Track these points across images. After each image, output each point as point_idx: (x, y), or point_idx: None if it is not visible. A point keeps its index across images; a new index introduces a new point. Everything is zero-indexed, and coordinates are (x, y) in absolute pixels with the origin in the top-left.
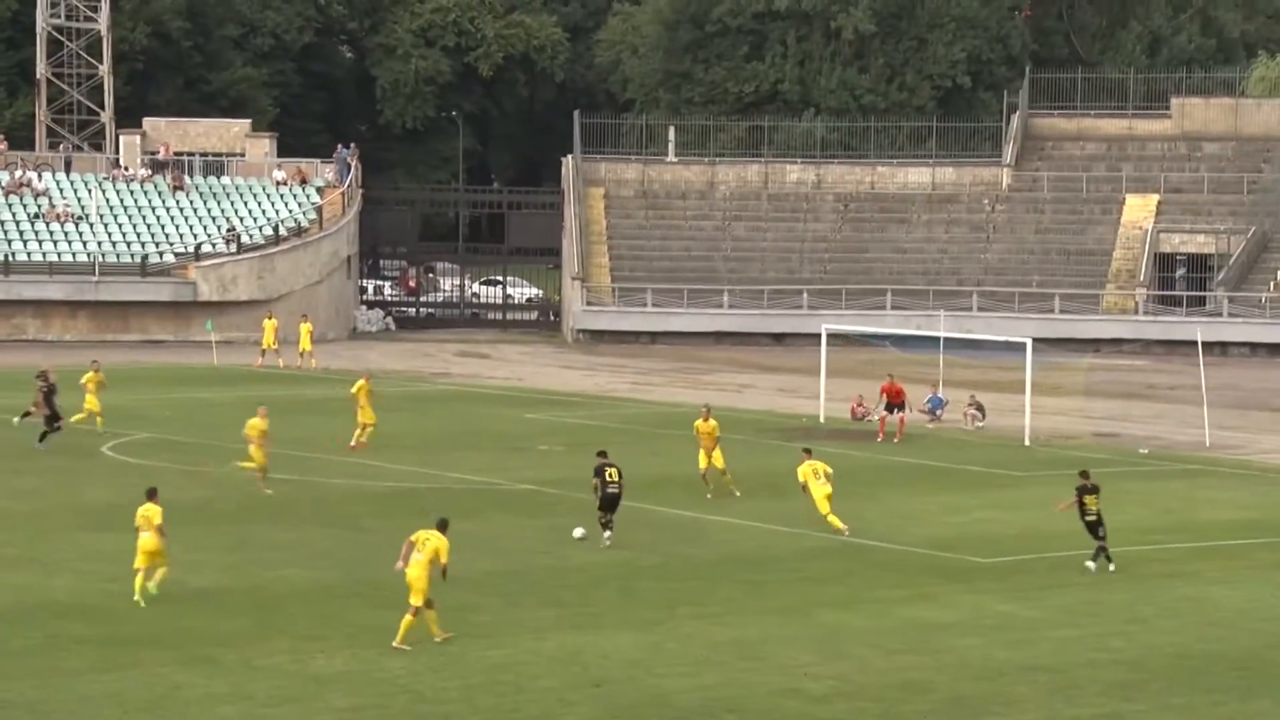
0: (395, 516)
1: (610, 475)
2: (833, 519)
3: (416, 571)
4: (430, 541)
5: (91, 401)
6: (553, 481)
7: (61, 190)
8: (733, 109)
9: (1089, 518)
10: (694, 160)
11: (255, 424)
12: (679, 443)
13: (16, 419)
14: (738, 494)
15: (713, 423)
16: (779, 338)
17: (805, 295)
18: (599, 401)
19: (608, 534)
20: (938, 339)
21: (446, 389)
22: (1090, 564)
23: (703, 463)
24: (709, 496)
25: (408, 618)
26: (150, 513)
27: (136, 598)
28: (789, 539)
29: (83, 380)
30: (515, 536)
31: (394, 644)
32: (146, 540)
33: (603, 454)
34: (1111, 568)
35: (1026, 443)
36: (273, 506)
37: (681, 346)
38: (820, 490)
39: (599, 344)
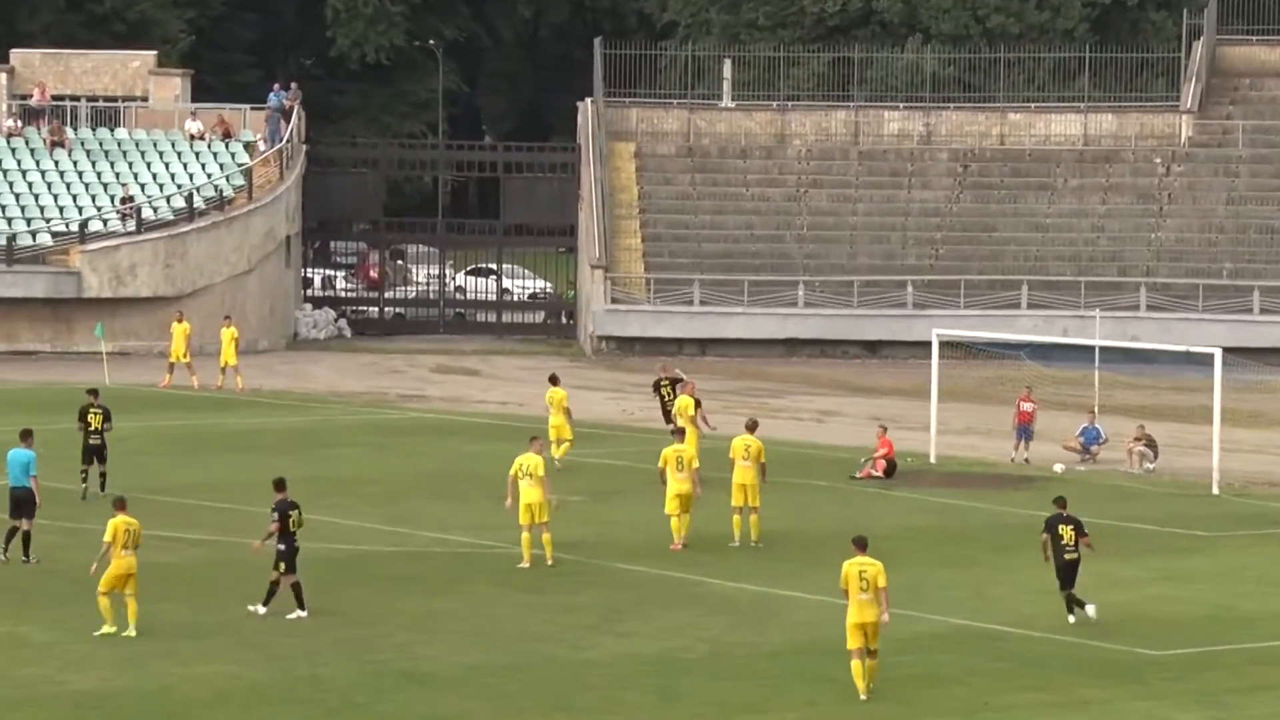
0: (347, 588)
1: (294, 520)
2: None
3: (869, 614)
4: (870, 569)
5: (560, 424)
6: (567, 544)
7: None
8: (810, 35)
9: (1068, 555)
10: (758, 105)
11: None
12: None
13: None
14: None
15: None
16: (873, 347)
17: (909, 289)
18: (628, 435)
19: (261, 608)
20: (1092, 349)
21: (420, 418)
22: (1078, 614)
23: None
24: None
25: (869, 662)
26: (133, 526)
27: (103, 631)
28: (891, 621)
29: (548, 396)
30: (515, 618)
31: (862, 696)
32: (126, 562)
33: (280, 485)
34: (1091, 611)
35: (1215, 491)
36: (184, 579)
37: (741, 359)
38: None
39: (628, 356)
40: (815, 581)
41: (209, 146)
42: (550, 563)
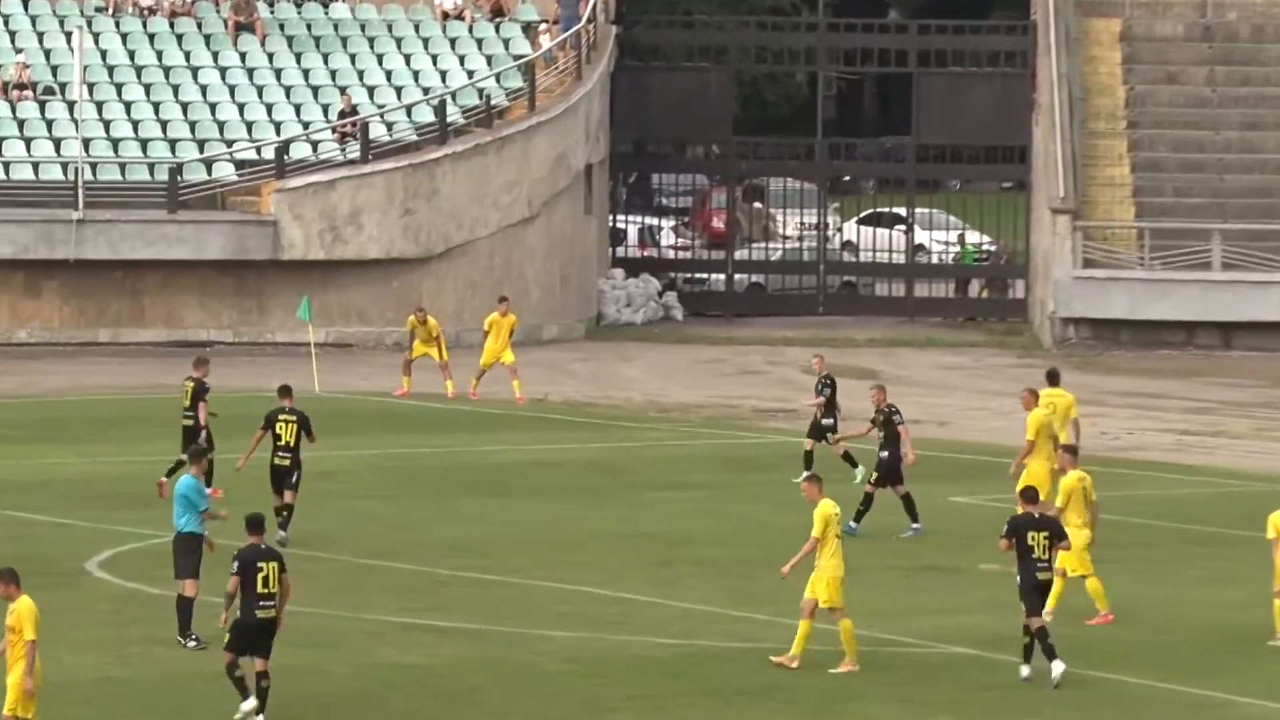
0: (677, 702)
1: (268, 578)
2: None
3: None
4: None
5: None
6: (999, 639)
7: (14, 38)
8: None
9: (1041, 574)
10: None
11: None
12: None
13: None
14: None
15: None
16: None
17: None
18: (1101, 468)
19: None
20: None
21: (788, 443)
22: (1025, 668)
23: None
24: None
25: None
26: (36, 614)
27: None
28: None
29: None
30: None
31: None
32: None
33: (257, 526)
34: (1058, 671)
35: None
36: (433, 687)
37: None
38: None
39: (1109, 349)
40: None
41: (470, 31)
42: (854, 667)
